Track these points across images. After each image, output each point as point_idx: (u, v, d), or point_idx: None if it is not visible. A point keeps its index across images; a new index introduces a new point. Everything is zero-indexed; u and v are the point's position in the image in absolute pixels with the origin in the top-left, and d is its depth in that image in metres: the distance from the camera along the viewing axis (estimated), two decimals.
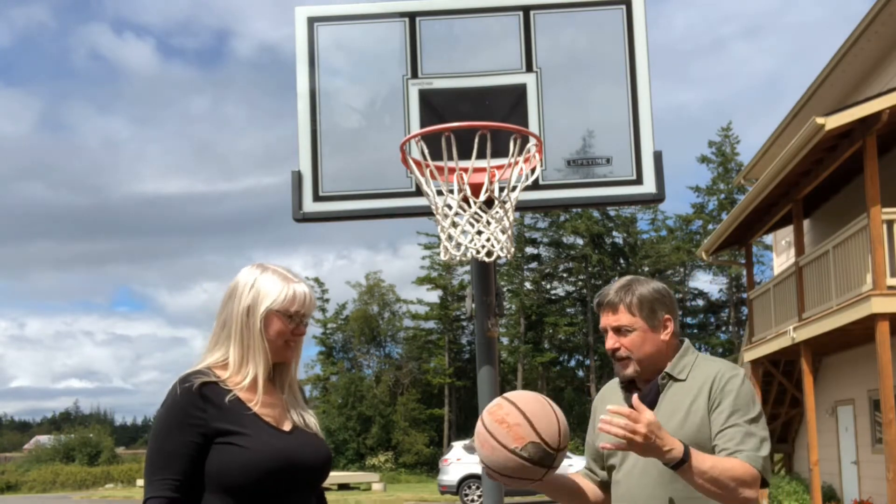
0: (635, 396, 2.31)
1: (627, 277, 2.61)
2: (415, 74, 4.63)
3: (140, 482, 36.42)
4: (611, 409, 2.23)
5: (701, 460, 2.25)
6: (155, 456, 2.19)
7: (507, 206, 4.04)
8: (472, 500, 21.43)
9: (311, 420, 2.38)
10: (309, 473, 2.29)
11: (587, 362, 47.05)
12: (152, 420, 2.28)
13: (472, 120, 4.05)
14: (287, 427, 2.31)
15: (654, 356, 2.51)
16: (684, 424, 2.43)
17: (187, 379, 2.24)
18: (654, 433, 2.19)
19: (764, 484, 2.36)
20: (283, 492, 2.23)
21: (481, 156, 3.82)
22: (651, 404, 2.49)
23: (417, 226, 46.33)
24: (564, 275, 49.37)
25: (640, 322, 2.49)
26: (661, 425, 2.25)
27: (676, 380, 2.52)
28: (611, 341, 2.52)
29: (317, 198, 4.58)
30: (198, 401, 2.21)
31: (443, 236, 4.04)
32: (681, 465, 2.23)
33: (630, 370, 2.51)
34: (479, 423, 2.46)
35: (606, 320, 2.54)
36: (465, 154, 3.87)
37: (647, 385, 2.55)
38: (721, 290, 48.25)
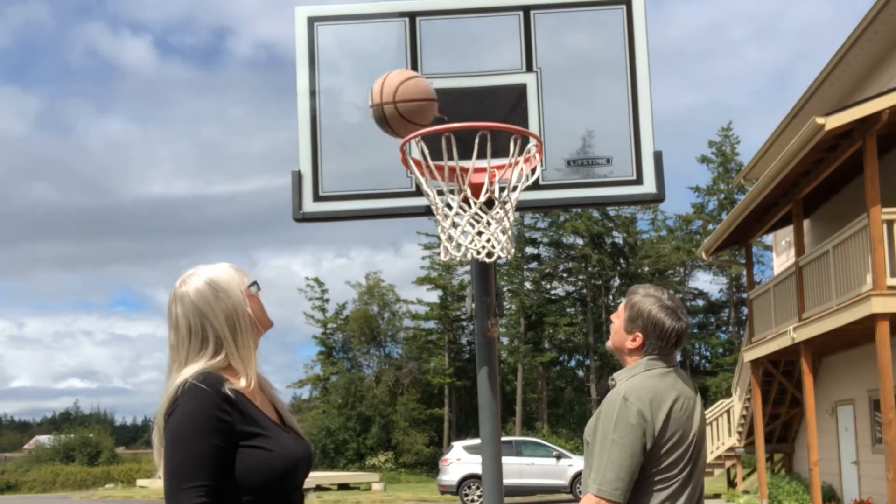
0: None
1: (661, 293, 2.92)
2: None
3: (140, 482, 36.41)
4: None
5: None
6: (182, 463, 2.08)
7: (508, 206, 4.04)
8: (472, 500, 21.42)
9: (293, 418, 2.40)
10: (306, 470, 2.31)
11: (587, 362, 47.06)
12: (171, 425, 2.14)
13: (473, 120, 4.05)
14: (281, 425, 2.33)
15: (616, 350, 2.95)
16: (593, 431, 2.78)
17: (206, 381, 2.16)
18: None
19: (621, 500, 2.64)
20: (293, 490, 2.26)
21: (482, 156, 3.82)
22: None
23: (418, 226, 46.36)
24: (564, 275, 49.36)
25: (623, 318, 2.91)
26: None
27: (616, 383, 2.86)
28: (613, 314, 3.00)
29: (317, 198, 4.58)
30: (223, 404, 2.14)
31: (443, 237, 4.04)
32: None
33: (608, 342, 3.01)
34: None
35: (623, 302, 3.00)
36: (465, 154, 3.87)
37: None
38: (721, 290, 48.27)
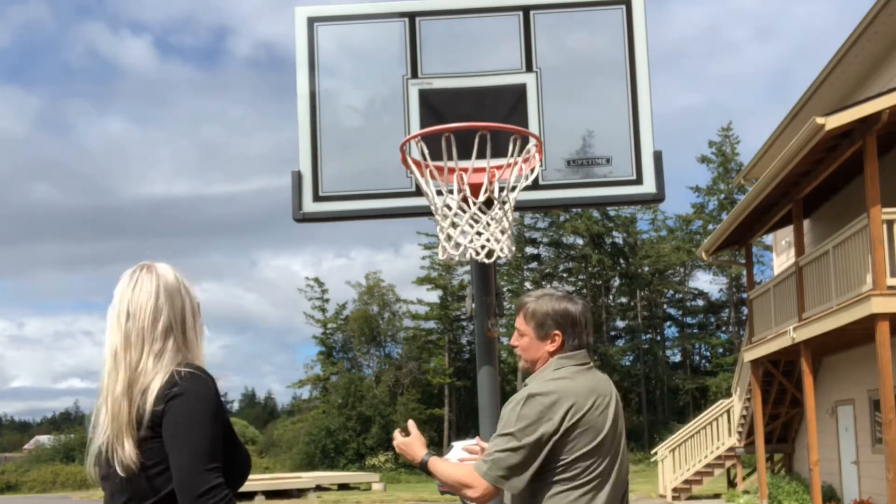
0: (410, 421, 3.15)
1: (548, 290, 2.97)
2: (415, 74, 4.63)
3: None
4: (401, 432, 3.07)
5: (436, 467, 2.87)
6: (204, 443, 2.13)
7: (507, 206, 4.04)
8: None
9: None
10: None
11: None
12: (183, 408, 2.17)
13: (472, 120, 4.05)
14: None
15: (537, 361, 2.92)
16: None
17: (203, 372, 2.25)
18: (402, 450, 3.00)
19: (501, 484, 2.73)
20: None
21: (481, 156, 3.82)
22: None
23: (418, 226, 46.40)
24: (564, 275, 49.40)
25: (530, 331, 2.91)
26: (420, 443, 2.99)
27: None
28: (513, 338, 2.98)
29: (317, 198, 4.59)
30: (219, 396, 2.25)
31: (442, 237, 4.04)
32: (424, 469, 2.91)
33: (521, 363, 3.00)
34: None
35: (516, 320, 2.99)
36: (464, 154, 3.87)
37: None
38: (721, 290, 48.27)
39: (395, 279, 77.89)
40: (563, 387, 2.75)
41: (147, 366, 2.23)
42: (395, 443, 3.03)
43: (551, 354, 2.88)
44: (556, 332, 2.86)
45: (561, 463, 2.71)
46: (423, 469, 2.92)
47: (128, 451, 2.18)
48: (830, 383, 16.33)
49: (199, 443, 2.13)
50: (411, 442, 2.99)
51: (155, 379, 2.20)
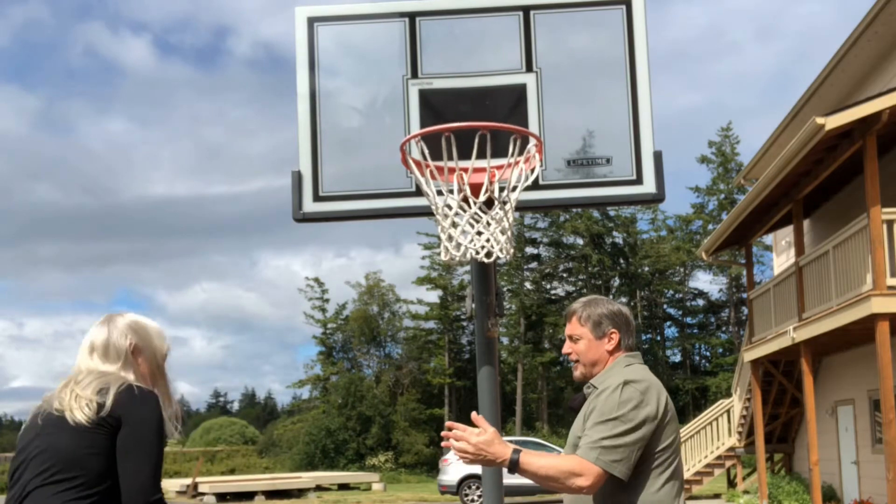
0: (473, 413, 2.82)
1: (593, 297, 3.04)
2: (415, 74, 4.63)
3: None
4: (448, 425, 2.70)
5: (531, 462, 2.64)
6: (159, 458, 2.40)
7: (507, 206, 4.04)
8: (472, 500, 21.42)
9: None
10: None
11: None
12: (147, 420, 2.44)
13: (472, 120, 4.05)
14: None
15: (597, 363, 2.95)
16: (583, 426, 2.80)
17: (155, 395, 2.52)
18: (482, 450, 2.63)
19: (611, 474, 2.64)
20: None
21: (481, 156, 3.82)
22: (580, 408, 2.95)
23: (418, 226, 46.40)
24: (564, 275, 49.39)
25: (586, 332, 2.95)
26: (499, 438, 2.66)
27: (597, 388, 2.87)
28: (565, 347, 3.01)
29: (317, 198, 4.58)
30: None
31: (443, 236, 4.04)
32: (514, 468, 2.64)
33: (577, 372, 2.99)
34: None
35: (566, 329, 3.04)
36: (465, 154, 3.87)
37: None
38: (721, 290, 48.29)
39: (395, 279, 77.91)
40: (648, 376, 2.82)
41: (115, 369, 2.54)
42: (466, 444, 2.64)
43: (610, 353, 2.94)
44: (613, 330, 2.94)
45: (656, 450, 2.73)
46: (512, 469, 2.65)
47: (79, 413, 2.41)
48: (830, 383, 16.33)
49: (157, 455, 2.40)
50: (492, 440, 2.64)
51: (117, 383, 2.45)
